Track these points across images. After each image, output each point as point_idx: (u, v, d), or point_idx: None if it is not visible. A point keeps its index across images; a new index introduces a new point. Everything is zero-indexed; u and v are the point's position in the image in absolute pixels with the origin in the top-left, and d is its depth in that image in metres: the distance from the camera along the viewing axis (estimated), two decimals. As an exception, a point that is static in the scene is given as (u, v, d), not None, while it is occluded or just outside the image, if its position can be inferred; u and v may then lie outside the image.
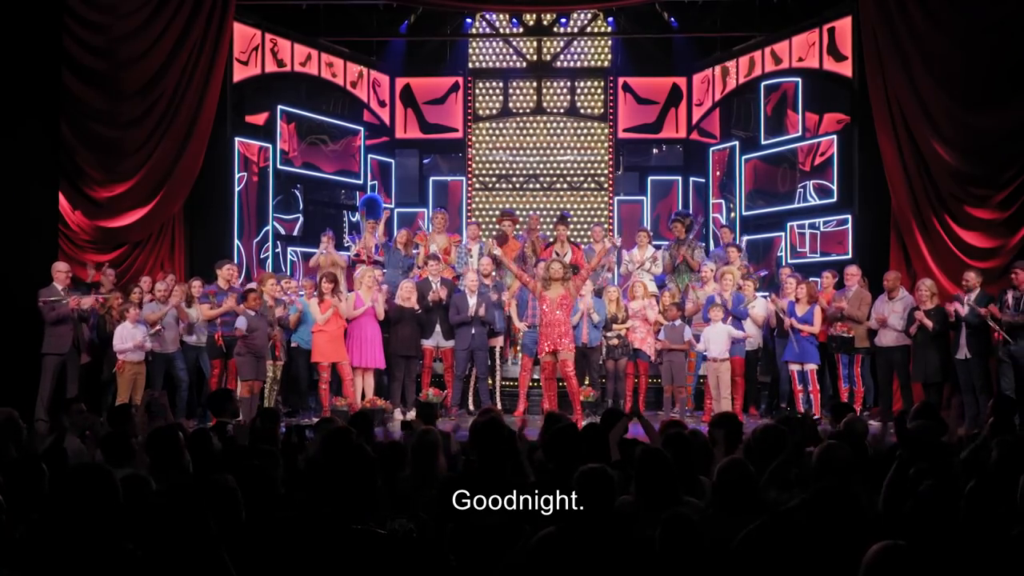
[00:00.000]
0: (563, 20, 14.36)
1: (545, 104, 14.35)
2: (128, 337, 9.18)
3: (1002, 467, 4.25)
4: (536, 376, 10.56)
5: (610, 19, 14.32)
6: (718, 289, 10.33)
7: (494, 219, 12.91)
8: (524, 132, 14.39)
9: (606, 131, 14.24)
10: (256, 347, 9.40)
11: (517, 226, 12.10)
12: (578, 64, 14.44)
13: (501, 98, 14.41)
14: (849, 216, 11.59)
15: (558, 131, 14.35)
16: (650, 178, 14.24)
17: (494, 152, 14.39)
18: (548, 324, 9.37)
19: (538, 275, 9.71)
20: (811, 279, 11.09)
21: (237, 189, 12.09)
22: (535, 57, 14.43)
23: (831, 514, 3.15)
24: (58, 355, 9.08)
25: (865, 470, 4.22)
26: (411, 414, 9.46)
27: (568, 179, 14.30)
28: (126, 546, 2.92)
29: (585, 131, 14.34)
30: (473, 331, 10.22)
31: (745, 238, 12.76)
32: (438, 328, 10.39)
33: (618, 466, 4.38)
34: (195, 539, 2.84)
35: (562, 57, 14.44)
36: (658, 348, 10.39)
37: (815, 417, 9.45)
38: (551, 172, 14.31)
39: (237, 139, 12.14)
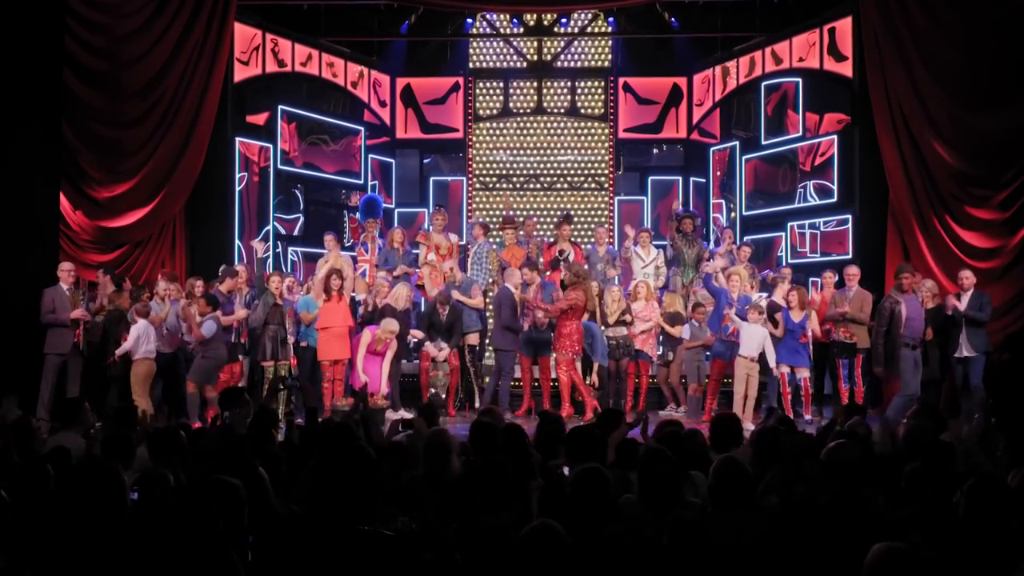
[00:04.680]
0: (563, 20, 14.36)
1: (545, 104, 14.35)
2: (143, 336, 9.17)
3: (1007, 467, 4.27)
4: (537, 376, 10.59)
5: (610, 19, 14.33)
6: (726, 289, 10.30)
7: (495, 223, 12.92)
8: (524, 132, 14.40)
9: (606, 131, 14.25)
10: (213, 355, 9.24)
11: (519, 232, 12.08)
12: (578, 64, 14.45)
13: (501, 98, 14.42)
14: (849, 216, 11.60)
15: (558, 131, 14.36)
16: (650, 178, 14.24)
17: (494, 152, 14.40)
18: None
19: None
20: (812, 279, 11.12)
21: (238, 189, 12.10)
22: (535, 57, 14.43)
23: (841, 515, 3.15)
24: (59, 355, 9.09)
25: (872, 471, 4.23)
26: (408, 414, 9.44)
27: (568, 179, 14.31)
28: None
29: (585, 131, 14.34)
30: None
31: (746, 238, 12.76)
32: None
33: (613, 468, 4.38)
34: (204, 538, 2.85)
35: (562, 57, 14.45)
36: (686, 347, 10.37)
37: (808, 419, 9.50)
38: (551, 172, 14.32)
39: (238, 139, 12.15)
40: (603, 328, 10.43)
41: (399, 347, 10.19)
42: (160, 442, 4.63)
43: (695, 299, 10.72)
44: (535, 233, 12.27)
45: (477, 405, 10.54)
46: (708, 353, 10.21)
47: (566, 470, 4.50)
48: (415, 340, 10.63)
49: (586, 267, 10.68)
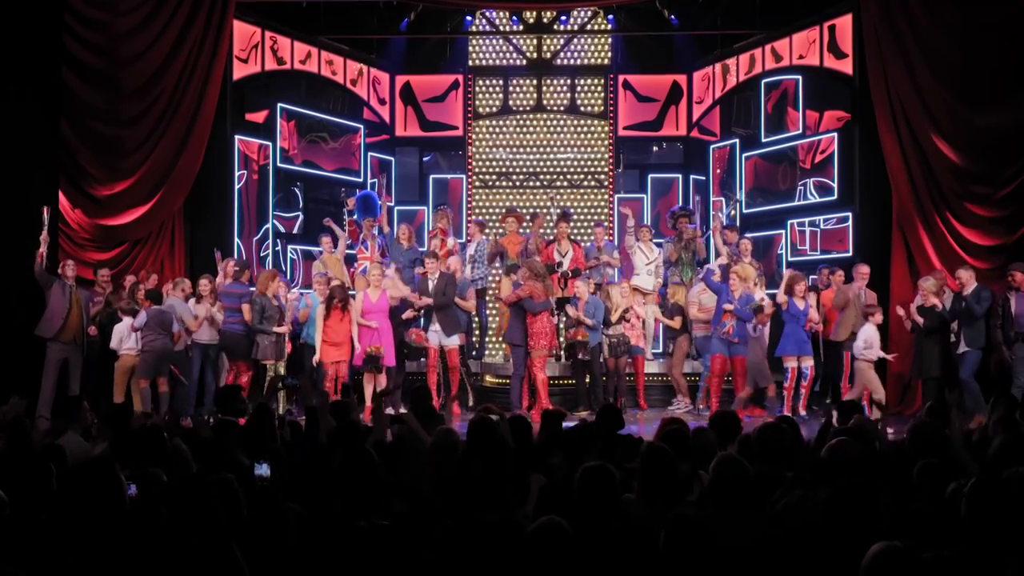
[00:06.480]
0: (563, 18, 14.33)
1: (545, 102, 14.33)
2: (128, 335, 9.20)
3: (1002, 463, 4.25)
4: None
5: (610, 16, 14.29)
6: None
7: (498, 217, 12.91)
8: (524, 130, 14.37)
9: (606, 129, 14.23)
10: (150, 347, 9.24)
11: (522, 223, 12.05)
12: (578, 62, 14.42)
13: (501, 96, 14.39)
14: (850, 214, 11.58)
15: (558, 129, 14.33)
16: (650, 176, 14.21)
17: (494, 150, 14.37)
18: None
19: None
20: (811, 277, 11.10)
21: (237, 187, 12.08)
22: (535, 55, 14.41)
23: (847, 514, 3.14)
24: (57, 342, 9.06)
25: (875, 469, 4.22)
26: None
27: (568, 177, 14.28)
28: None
29: (585, 129, 14.32)
30: None
31: (746, 235, 12.72)
32: (437, 326, 10.36)
33: None
34: (205, 533, 2.84)
35: (562, 55, 14.42)
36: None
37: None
38: (551, 170, 14.29)
39: (237, 137, 12.13)
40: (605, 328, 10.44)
41: (400, 344, 10.22)
42: (142, 443, 4.63)
43: (698, 301, 10.71)
44: (543, 225, 12.21)
45: (471, 403, 10.54)
46: (709, 351, 10.18)
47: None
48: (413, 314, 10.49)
49: (544, 267, 10.60)
